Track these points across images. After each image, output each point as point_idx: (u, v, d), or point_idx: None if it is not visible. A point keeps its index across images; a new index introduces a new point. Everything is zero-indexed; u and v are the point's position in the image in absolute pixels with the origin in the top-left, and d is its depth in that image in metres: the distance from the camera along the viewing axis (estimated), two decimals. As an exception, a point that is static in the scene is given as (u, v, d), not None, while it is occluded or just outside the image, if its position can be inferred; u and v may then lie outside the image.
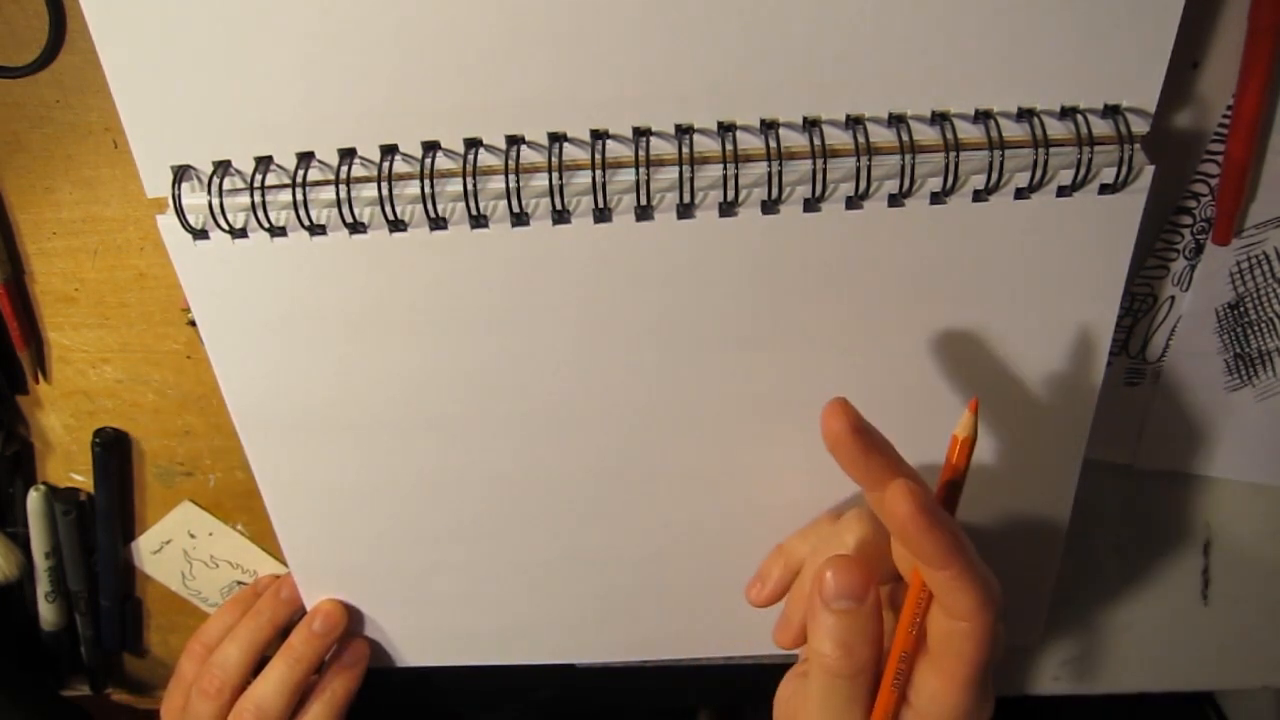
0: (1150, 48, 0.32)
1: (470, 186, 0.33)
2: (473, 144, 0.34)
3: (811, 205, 0.34)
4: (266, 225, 0.35)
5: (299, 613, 0.47)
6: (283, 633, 0.47)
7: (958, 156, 0.33)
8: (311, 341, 0.38)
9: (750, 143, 0.34)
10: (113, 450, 0.46)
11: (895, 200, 0.34)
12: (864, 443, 0.32)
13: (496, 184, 0.34)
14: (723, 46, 0.32)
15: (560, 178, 0.33)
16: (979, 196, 0.34)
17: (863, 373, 0.38)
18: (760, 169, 0.33)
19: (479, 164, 0.34)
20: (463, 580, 0.46)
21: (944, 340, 0.38)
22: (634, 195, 0.34)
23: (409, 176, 0.34)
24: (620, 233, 0.35)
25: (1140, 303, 0.41)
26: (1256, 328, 0.41)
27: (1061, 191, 0.34)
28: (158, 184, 0.35)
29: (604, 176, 0.33)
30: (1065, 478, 0.42)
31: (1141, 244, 0.36)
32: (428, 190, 0.34)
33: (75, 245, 0.41)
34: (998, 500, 0.42)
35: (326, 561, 0.45)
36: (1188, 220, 0.39)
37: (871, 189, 0.34)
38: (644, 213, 0.35)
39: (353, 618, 0.47)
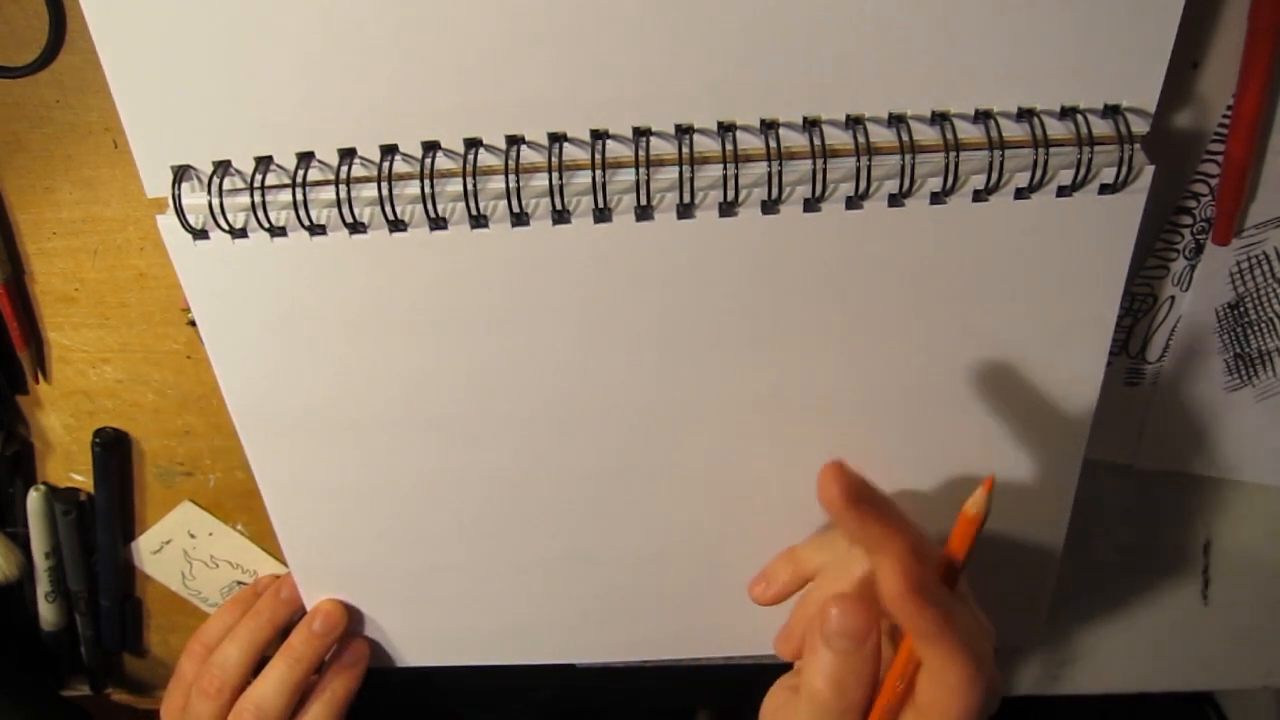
0: (1150, 48, 0.32)
1: (470, 186, 0.33)
2: (473, 144, 0.34)
3: (811, 205, 0.34)
4: (266, 225, 0.35)
5: (299, 613, 0.47)
6: (283, 633, 0.47)
7: (958, 156, 0.33)
8: (311, 341, 0.38)
9: (750, 143, 0.34)
10: (113, 450, 0.46)
11: (895, 200, 0.34)
12: (859, 512, 0.31)
13: (496, 184, 0.34)
14: (723, 46, 0.32)
15: (560, 178, 0.33)
16: (979, 196, 0.34)
17: (863, 373, 0.38)
18: (760, 169, 0.33)
19: (479, 164, 0.34)
20: (463, 580, 0.46)
21: (944, 340, 0.38)
22: (634, 195, 0.34)
23: (409, 176, 0.34)
24: (620, 233, 0.35)
25: (1140, 303, 0.41)
26: (1256, 328, 0.41)
27: (1061, 191, 0.34)
28: (158, 184, 0.35)
29: (604, 176, 0.33)
30: (1065, 478, 0.41)
31: (1141, 244, 0.36)
32: (428, 190, 0.34)
33: (75, 245, 0.41)
34: (998, 500, 0.42)
35: (326, 561, 0.45)
36: (1188, 220, 0.39)
37: (871, 189, 0.34)
38: (644, 213, 0.35)
39: (353, 618, 0.47)
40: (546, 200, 0.34)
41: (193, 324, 0.39)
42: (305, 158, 0.34)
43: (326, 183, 0.34)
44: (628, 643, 0.49)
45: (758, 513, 0.43)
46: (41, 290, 0.42)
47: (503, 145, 0.34)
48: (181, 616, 0.52)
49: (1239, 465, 0.45)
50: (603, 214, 0.35)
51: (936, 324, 0.37)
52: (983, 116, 0.33)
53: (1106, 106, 0.33)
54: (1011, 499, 0.42)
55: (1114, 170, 0.33)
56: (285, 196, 0.34)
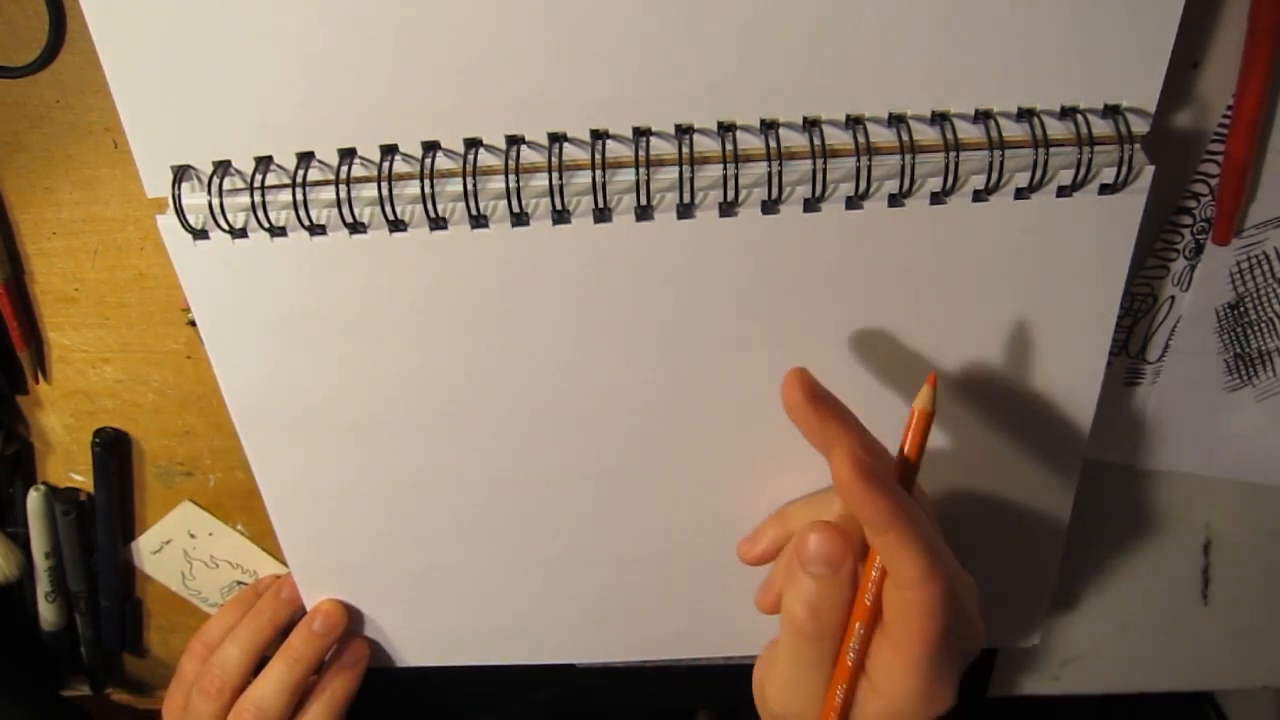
0: (1150, 48, 0.32)
1: (470, 186, 0.33)
2: (473, 144, 0.34)
3: (811, 205, 0.34)
4: (266, 225, 0.35)
5: (299, 613, 0.47)
6: (283, 633, 0.47)
7: (958, 156, 0.33)
8: (311, 341, 0.38)
9: (750, 143, 0.34)
10: (113, 450, 0.46)
11: (895, 200, 0.34)
12: (819, 410, 0.33)
13: (496, 184, 0.34)
14: (723, 46, 0.32)
15: (560, 178, 0.33)
16: (979, 196, 0.34)
17: (862, 372, 0.38)
18: (760, 169, 0.33)
19: (479, 164, 0.34)
20: (463, 580, 0.46)
21: (944, 340, 0.38)
22: (634, 195, 0.34)
23: (409, 176, 0.34)
24: (620, 233, 0.35)
25: (1140, 303, 0.41)
26: (1256, 328, 0.41)
27: (1061, 191, 0.34)
28: (158, 184, 0.35)
29: (604, 176, 0.33)
30: (1065, 478, 0.42)
31: (1141, 244, 0.36)
32: (428, 190, 0.34)
33: (75, 245, 0.41)
34: (998, 501, 0.42)
35: (326, 561, 0.45)
36: (1188, 220, 0.39)
37: (871, 189, 0.34)
38: (644, 213, 0.35)
39: (353, 618, 0.47)
40: (546, 200, 0.34)
41: (193, 324, 0.39)
42: (305, 158, 0.34)
43: (326, 183, 0.34)
44: (628, 643, 0.49)
45: (757, 512, 0.43)
46: (41, 290, 0.42)
47: (503, 145, 0.34)
48: (181, 616, 0.52)
49: (1239, 465, 0.45)
50: (603, 214, 0.35)
51: (936, 324, 0.37)
52: (983, 116, 0.33)
53: (1106, 106, 0.33)
54: (1011, 499, 0.42)
55: (1114, 170, 0.33)
56: (285, 196, 0.34)
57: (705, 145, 0.34)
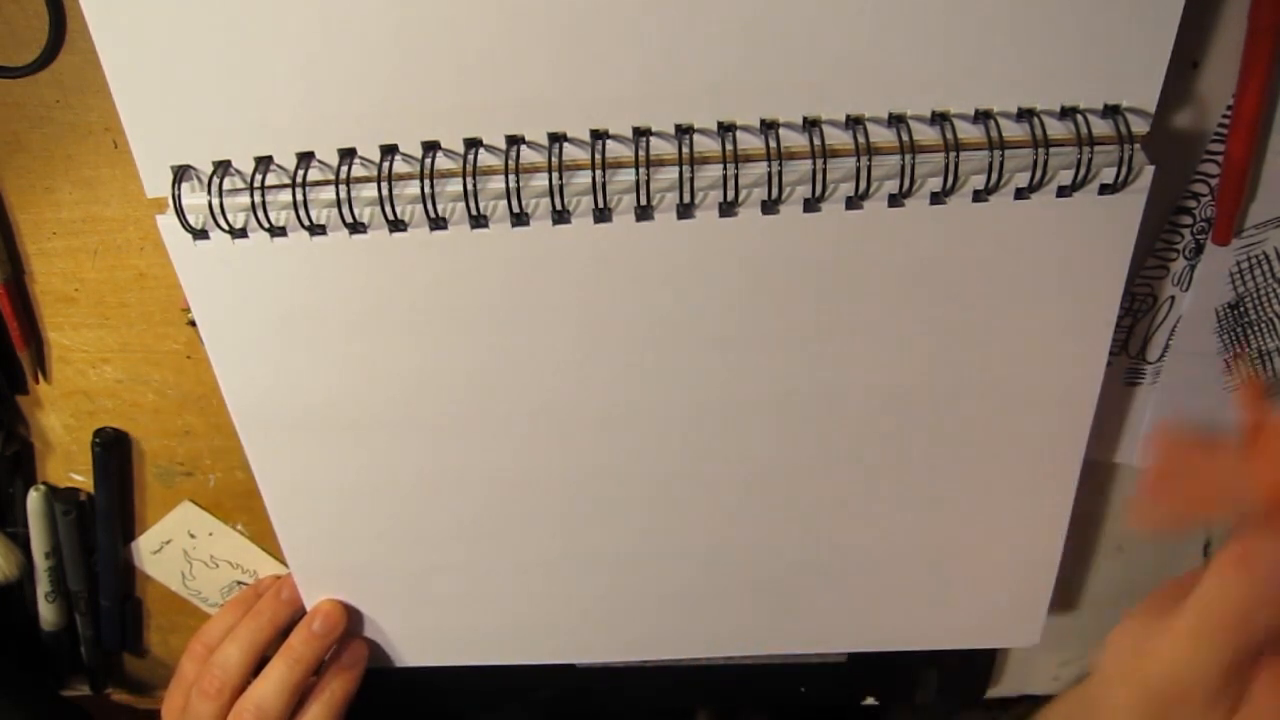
0: (1150, 48, 0.32)
1: (470, 186, 0.33)
2: (473, 144, 0.34)
3: (811, 205, 0.34)
4: (266, 225, 0.35)
5: (299, 613, 0.47)
6: (283, 633, 0.47)
7: (958, 156, 0.33)
8: (311, 341, 0.38)
9: (750, 143, 0.34)
10: (113, 450, 0.46)
11: (895, 200, 0.34)
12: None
13: (496, 184, 0.34)
14: (723, 46, 0.32)
15: (560, 178, 0.33)
16: (979, 196, 0.34)
17: (862, 372, 0.38)
18: (760, 169, 0.33)
19: (479, 164, 0.34)
20: (463, 580, 0.46)
21: (944, 340, 0.38)
22: (634, 195, 0.34)
23: (409, 176, 0.34)
24: (620, 233, 0.35)
25: (1140, 303, 0.41)
26: (1256, 328, 0.41)
27: (1061, 191, 0.34)
28: (158, 184, 0.35)
29: (604, 176, 0.33)
30: (1065, 478, 0.41)
31: (1141, 244, 0.36)
32: (428, 190, 0.34)
33: (75, 245, 0.41)
34: (998, 500, 0.42)
35: (326, 561, 0.45)
36: (1188, 220, 0.38)
37: (871, 189, 0.34)
38: (644, 213, 0.35)
39: (352, 618, 0.47)
40: (546, 200, 0.34)
41: (193, 324, 0.39)
42: (305, 158, 0.34)
43: (326, 183, 0.34)
44: (628, 643, 0.49)
45: (758, 512, 0.43)
46: (41, 290, 0.42)
47: (503, 145, 0.34)
48: (181, 616, 0.52)
49: (1239, 465, 0.45)
50: (603, 214, 0.34)
51: (936, 324, 0.37)
52: (983, 116, 0.33)
53: (1106, 106, 0.33)
54: (1012, 499, 0.42)
55: (1114, 170, 0.33)
56: (285, 196, 0.34)
57: (705, 145, 0.34)
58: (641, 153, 0.33)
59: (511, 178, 0.33)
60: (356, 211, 0.34)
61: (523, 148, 0.34)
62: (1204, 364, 0.42)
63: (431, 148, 0.34)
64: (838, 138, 0.33)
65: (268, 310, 0.37)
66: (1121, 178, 0.33)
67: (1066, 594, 0.50)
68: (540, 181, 0.34)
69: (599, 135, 0.34)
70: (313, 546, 0.45)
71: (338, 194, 0.34)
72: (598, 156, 0.33)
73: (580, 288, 0.36)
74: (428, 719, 0.58)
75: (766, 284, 0.36)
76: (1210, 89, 0.35)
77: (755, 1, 0.31)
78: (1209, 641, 0.31)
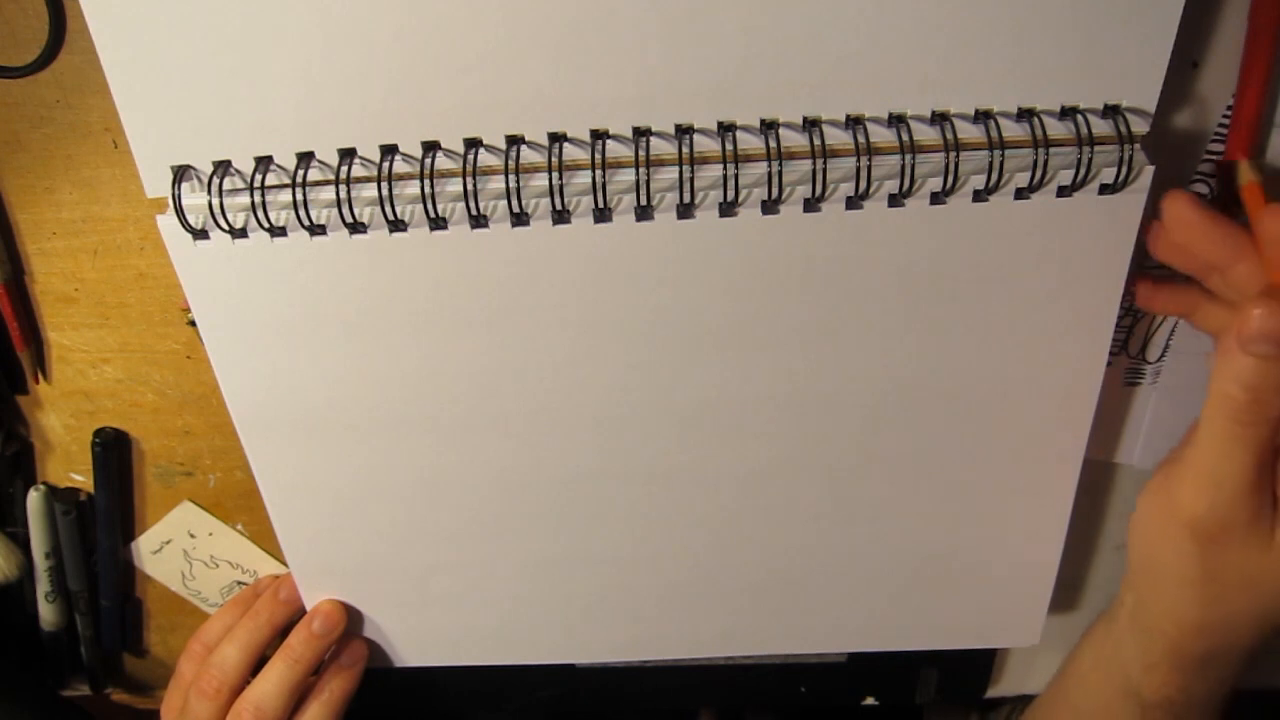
0: (1150, 48, 0.32)
1: (470, 186, 0.33)
2: (473, 144, 0.34)
3: (811, 205, 0.34)
4: (266, 225, 0.35)
5: (299, 613, 0.47)
6: (283, 633, 0.47)
7: (958, 156, 0.33)
8: (311, 341, 0.38)
9: (750, 143, 0.34)
10: (113, 450, 0.46)
11: (895, 200, 0.34)
12: (1213, 216, 0.31)
13: (496, 184, 0.34)
14: (723, 46, 0.32)
15: (560, 178, 0.33)
16: (979, 196, 0.34)
17: (862, 372, 0.38)
18: (760, 169, 0.33)
19: (479, 164, 0.34)
20: (463, 580, 0.46)
21: (944, 340, 0.38)
22: (634, 195, 0.34)
23: (409, 176, 0.34)
24: (620, 233, 0.35)
25: (1140, 303, 0.41)
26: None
27: (1061, 191, 0.34)
28: (158, 184, 0.35)
29: (604, 176, 0.33)
30: (1065, 478, 0.41)
31: (1141, 244, 0.36)
32: (428, 190, 0.34)
33: (75, 245, 0.41)
34: (998, 500, 0.42)
35: (326, 561, 0.45)
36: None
37: (871, 189, 0.34)
38: (644, 213, 0.35)
39: (352, 618, 0.47)
40: (546, 200, 0.34)
41: (193, 324, 0.39)
42: (305, 158, 0.34)
43: (326, 183, 0.34)
44: (628, 643, 0.49)
45: (758, 512, 0.43)
46: (41, 290, 0.42)
47: (503, 145, 0.34)
48: (181, 616, 0.52)
49: (1239, 465, 0.45)
50: (603, 214, 0.34)
51: (936, 324, 0.37)
52: (983, 116, 0.33)
53: (1106, 106, 0.33)
54: (1011, 499, 0.42)
55: (1114, 170, 0.33)
56: (285, 196, 0.34)
57: (705, 145, 0.34)
58: (641, 153, 0.33)
59: (511, 178, 0.33)
60: (356, 211, 0.34)
61: (523, 148, 0.34)
62: (1204, 364, 0.42)
63: (431, 148, 0.34)
64: (838, 138, 0.33)
65: (268, 310, 0.37)
66: (1121, 178, 0.33)
67: (1066, 594, 0.50)
68: (540, 181, 0.34)
69: (599, 135, 0.34)
70: (312, 546, 0.45)
71: (338, 194, 0.34)
72: (598, 156, 0.33)
73: (580, 288, 0.36)
74: (428, 719, 0.58)
75: (766, 284, 0.36)
76: (1210, 89, 0.35)
77: (755, 1, 0.31)
78: (1230, 446, 0.31)
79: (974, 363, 0.38)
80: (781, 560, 0.45)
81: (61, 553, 0.49)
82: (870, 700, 0.56)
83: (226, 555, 0.50)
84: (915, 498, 0.42)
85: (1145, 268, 0.36)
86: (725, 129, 0.34)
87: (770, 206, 0.34)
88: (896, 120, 0.33)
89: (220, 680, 0.45)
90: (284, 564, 0.48)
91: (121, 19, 0.32)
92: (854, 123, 0.33)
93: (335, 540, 0.44)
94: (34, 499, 0.47)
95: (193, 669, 0.46)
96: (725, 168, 0.33)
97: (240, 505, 0.48)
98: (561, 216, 0.35)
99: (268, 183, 0.34)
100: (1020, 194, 0.34)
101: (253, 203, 0.34)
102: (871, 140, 0.33)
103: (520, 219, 0.35)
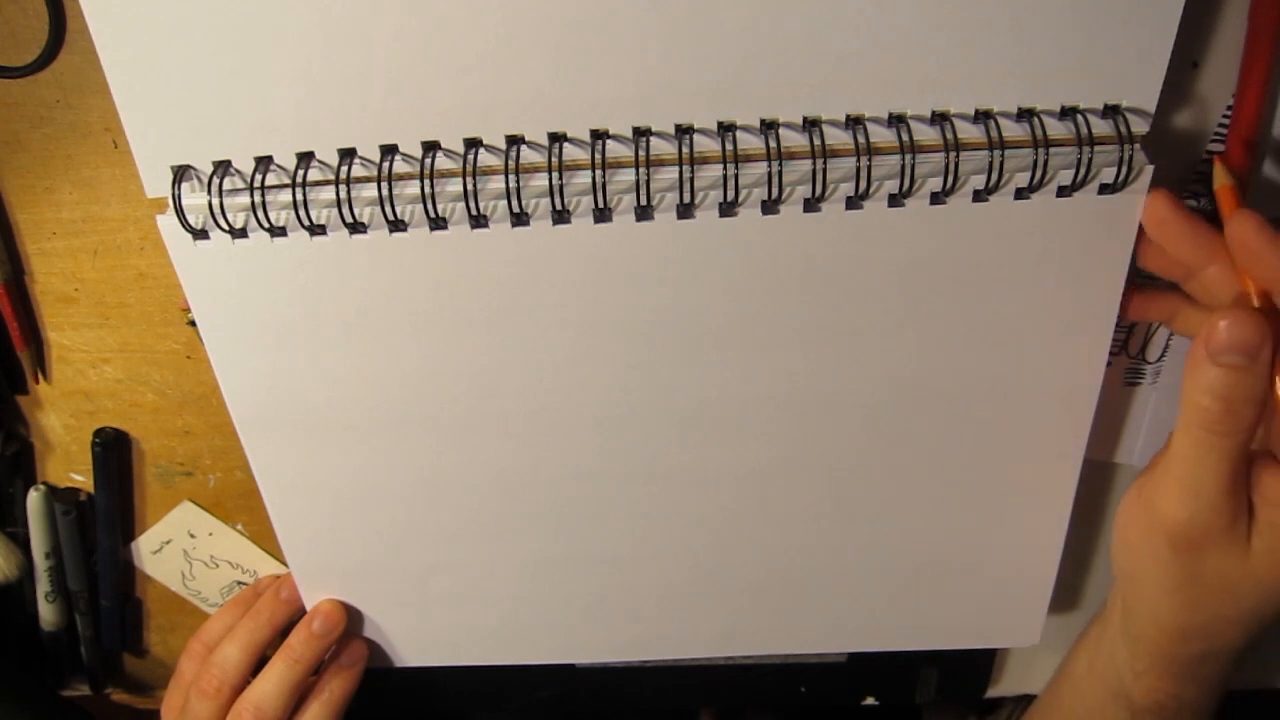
0: (1150, 48, 0.32)
1: (470, 186, 0.33)
2: (473, 144, 0.34)
3: (811, 205, 0.34)
4: (266, 225, 0.35)
5: (299, 613, 0.47)
6: (283, 633, 0.47)
7: (958, 156, 0.33)
8: (311, 341, 0.38)
9: (750, 143, 0.34)
10: (113, 450, 0.46)
11: (895, 200, 0.34)
12: (1190, 217, 0.32)
13: (496, 184, 0.34)
14: (723, 46, 0.32)
15: (560, 178, 0.33)
16: (979, 196, 0.34)
17: (862, 372, 0.38)
18: (760, 169, 0.33)
19: (479, 164, 0.34)
20: (463, 580, 0.46)
21: (944, 340, 0.38)
22: (634, 195, 0.34)
23: (409, 176, 0.34)
24: (620, 233, 0.35)
25: (1140, 303, 0.41)
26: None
27: (1061, 191, 0.34)
28: (158, 184, 0.35)
29: (604, 176, 0.33)
30: (1065, 478, 0.41)
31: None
32: (428, 190, 0.34)
33: (75, 245, 0.41)
34: (998, 500, 0.42)
35: (326, 561, 0.45)
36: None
37: (871, 189, 0.34)
38: (644, 213, 0.35)
39: (352, 618, 0.47)
40: (546, 200, 0.34)
41: (193, 324, 0.39)
42: (305, 158, 0.34)
43: (326, 183, 0.34)
44: (628, 643, 0.49)
45: (758, 512, 0.43)
46: (41, 290, 0.42)
47: (503, 145, 0.34)
48: (181, 616, 0.52)
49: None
50: (603, 214, 0.34)
51: (936, 324, 0.37)
52: (983, 116, 0.33)
53: (1106, 106, 0.33)
54: (1012, 498, 0.42)
55: (1114, 170, 0.33)
56: (285, 196, 0.34)
57: (705, 145, 0.34)
58: (641, 153, 0.33)
59: (511, 178, 0.33)
60: (356, 211, 0.34)
61: (523, 148, 0.34)
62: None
63: (431, 148, 0.34)
64: (838, 138, 0.33)
65: (268, 310, 0.37)
66: (1121, 178, 0.33)
67: (1066, 594, 0.50)
68: (540, 181, 0.34)
69: (599, 135, 0.34)
70: (312, 546, 0.45)
71: (338, 194, 0.34)
72: (598, 156, 0.33)
73: (580, 288, 0.36)
74: (428, 719, 0.58)
75: (766, 284, 0.36)
76: (1210, 89, 0.35)
77: (755, 1, 0.31)
78: (1205, 455, 0.31)
79: (974, 363, 0.38)
80: (781, 560, 0.45)
81: (61, 553, 0.49)
82: (870, 700, 0.56)
83: (226, 555, 0.50)
84: (915, 497, 0.42)
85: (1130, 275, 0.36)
86: (725, 129, 0.34)
87: (770, 206, 0.34)
88: (896, 120, 0.33)
89: (220, 680, 0.45)
90: (284, 564, 0.48)
91: (121, 19, 0.32)
92: (854, 123, 0.33)
93: (335, 540, 0.44)
94: (34, 499, 0.47)
95: (193, 668, 0.46)
96: (725, 168, 0.33)
97: (240, 505, 0.48)
98: (561, 216, 0.35)
99: (268, 183, 0.34)
100: (1020, 194, 0.34)
101: (253, 203, 0.34)
102: (871, 140, 0.33)
103: (520, 219, 0.35)
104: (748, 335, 0.37)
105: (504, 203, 0.34)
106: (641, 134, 0.34)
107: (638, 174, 0.33)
